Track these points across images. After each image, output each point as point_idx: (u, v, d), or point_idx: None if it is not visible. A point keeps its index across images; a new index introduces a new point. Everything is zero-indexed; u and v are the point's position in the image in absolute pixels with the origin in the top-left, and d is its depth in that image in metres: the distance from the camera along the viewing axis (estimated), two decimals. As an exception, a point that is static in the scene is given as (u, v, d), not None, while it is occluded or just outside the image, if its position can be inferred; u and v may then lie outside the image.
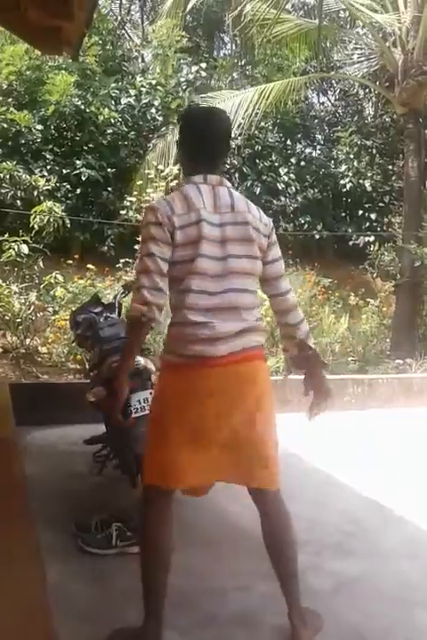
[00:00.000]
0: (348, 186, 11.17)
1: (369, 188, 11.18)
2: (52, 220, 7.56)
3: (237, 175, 10.91)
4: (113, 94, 10.52)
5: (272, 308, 2.48)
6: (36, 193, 8.40)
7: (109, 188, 9.78)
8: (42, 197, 8.29)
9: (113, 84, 10.68)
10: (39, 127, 9.64)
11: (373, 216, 11.17)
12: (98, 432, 3.81)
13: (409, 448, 4.98)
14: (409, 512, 3.59)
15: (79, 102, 9.86)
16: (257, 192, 10.57)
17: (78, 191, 9.52)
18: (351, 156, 11.37)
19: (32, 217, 7.52)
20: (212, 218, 2.19)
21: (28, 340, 6.33)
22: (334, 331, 7.21)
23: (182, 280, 2.17)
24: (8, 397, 4.19)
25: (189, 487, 2.32)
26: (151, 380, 3.46)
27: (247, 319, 2.22)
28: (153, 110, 10.67)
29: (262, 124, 10.86)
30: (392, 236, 9.05)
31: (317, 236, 10.82)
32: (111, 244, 9.28)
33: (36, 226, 7.45)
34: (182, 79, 11.24)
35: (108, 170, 9.81)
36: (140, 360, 3.49)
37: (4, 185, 8.41)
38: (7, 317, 6.36)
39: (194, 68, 11.43)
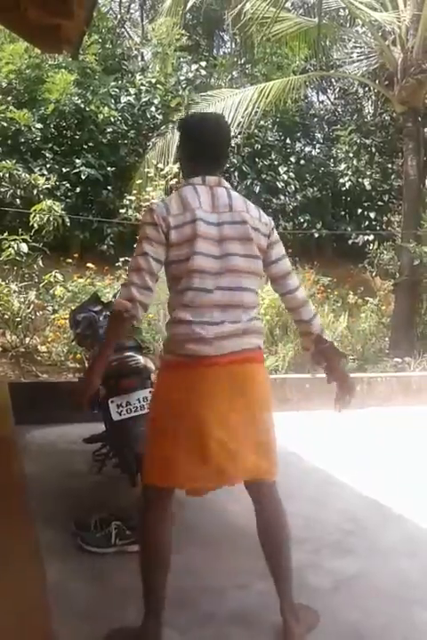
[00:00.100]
0: (347, 184, 11.16)
1: (368, 187, 11.16)
2: (51, 218, 7.57)
3: (236, 174, 10.90)
4: (113, 93, 10.51)
5: (285, 306, 2.51)
6: (35, 192, 8.40)
7: (109, 187, 9.77)
8: (41, 196, 8.30)
9: (113, 83, 10.66)
10: (39, 126, 9.62)
11: (372, 215, 11.15)
12: (97, 431, 3.82)
13: (408, 446, 4.99)
14: (408, 510, 3.60)
15: (79, 101, 9.85)
16: (257, 191, 10.56)
17: (78, 190, 9.51)
18: (351, 155, 11.36)
19: (32, 216, 7.53)
20: (209, 217, 2.20)
21: (27, 339, 6.34)
22: (333, 329, 7.22)
23: (179, 279, 2.19)
24: (7, 396, 4.19)
25: (188, 487, 2.32)
26: (151, 379, 3.47)
27: (245, 319, 2.22)
28: (153, 109, 10.66)
29: (262, 122, 10.84)
30: (391, 235, 9.07)
31: (316, 235, 10.80)
32: (111, 243, 9.27)
33: (35, 224, 7.46)
34: (182, 77, 11.22)
35: (108, 168, 9.80)
36: (140, 359, 3.50)
37: (3, 183, 8.40)
38: (7, 316, 6.37)
39: (194, 67, 11.41)
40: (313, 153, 12.72)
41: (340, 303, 8.21)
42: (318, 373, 6.69)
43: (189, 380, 2.18)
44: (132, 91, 10.76)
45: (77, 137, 9.91)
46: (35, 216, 7.52)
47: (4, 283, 6.57)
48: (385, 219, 10.73)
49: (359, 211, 11.30)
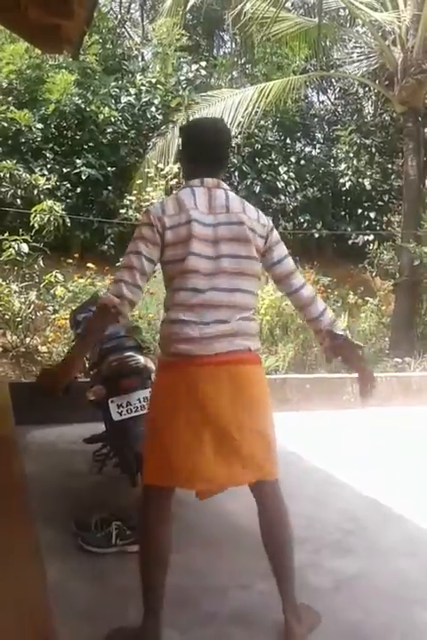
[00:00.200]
0: (347, 184, 11.16)
1: (368, 187, 11.17)
2: (52, 218, 7.58)
3: (236, 174, 10.91)
4: (113, 93, 10.52)
5: (293, 306, 2.51)
6: (36, 192, 8.41)
7: (109, 187, 9.77)
8: (42, 196, 8.31)
9: (113, 83, 10.67)
10: (39, 126, 9.63)
11: (372, 215, 11.16)
12: (98, 431, 3.82)
13: (408, 446, 4.99)
14: (408, 510, 3.60)
15: (79, 101, 9.86)
16: (257, 191, 10.57)
17: (78, 190, 9.52)
18: (351, 155, 11.36)
19: (32, 216, 7.54)
20: (205, 218, 2.22)
21: (27, 339, 6.34)
22: (333, 329, 7.21)
23: (173, 279, 2.22)
24: (8, 396, 4.19)
25: (187, 487, 2.31)
26: (151, 379, 3.46)
27: (239, 320, 2.22)
28: (153, 109, 10.67)
29: (262, 122, 10.85)
30: (391, 235, 9.07)
31: (316, 235, 10.81)
32: (111, 243, 9.27)
33: (36, 225, 7.47)
34: (182, 77, 11.22)
35: (108, 168, 9.81)
36: (140, 359, 3.50)
37: (4, 184, 8.41)
38: (7, 316, 6.37)
39: (194, 67, 11.41)
40: (313, 153, 12.73)
41: (340, 303, 8.22)
42: (318, 373, 6.71)
43: (180, 380, 2.20)
44: (132, 91, 10.77)
45: (78, 137, 9.91)
46: (35, 216, 7.52)
47: (4, 283, 6.57)
48: (385, 219, 10.74)
49: (359, 211, 11.30)
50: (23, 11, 3.52)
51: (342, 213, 11.92)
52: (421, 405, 6.21)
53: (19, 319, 6.34)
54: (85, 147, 9.81)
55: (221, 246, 2.22)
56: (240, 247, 2.25)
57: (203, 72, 11.51)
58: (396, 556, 3.07)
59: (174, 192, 2.54)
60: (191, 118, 8.71)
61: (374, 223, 11.03)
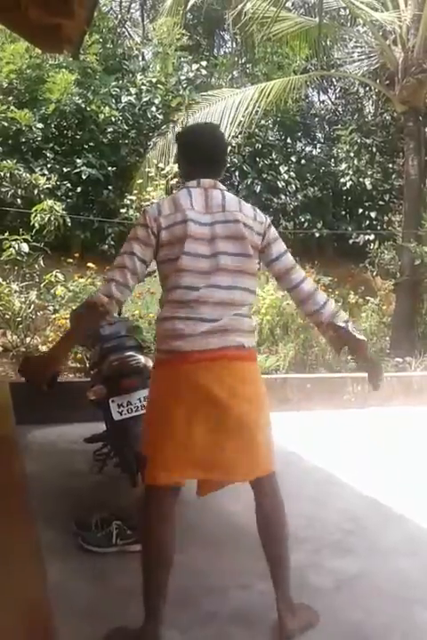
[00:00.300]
0: (348, 184, 11.15)
1: (369, 187, 11.15)
2: (52, 218, 7.58)
3: (237, 173, 10.91)
4: (113, 92, 10.51)
5: (293, 302, 2.52)
6: (36, 191, 8.41)
7: (110, 187, 9.77)
8: (42, 196, 8.30)
9: (113, 83, 10.66)
10: (40, 126, 9.62)
11: (373, 214, 11.14)
12: (98, 430, 3.82)
13: (409, 446, 4.99)
14: (409, 510, 3.60)
15: (80, 101, 9.85)
16: (257, 190, 10.56)
17: (79, 190, 9.52)
18: (352, 155, 11.35)
19: (32, 215, 7.54)
20: (201, 218, 2.24)
21: (28, 339, 6.34)
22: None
23: (168, 277, 2.25)
24: (8, 396, 4.18)
25: (182, 483, 2.32)
26: (151, 379, 3.46)
27: (232, 316, 2.23)
28: (153, 108, 10.66)
29: (263, 122, 10.85)
30: (392, 235, 9.06)
31: (317, 235, 10.79)
32: (112, 243, 9.27)
33: (36, 224, 7.47)
34: (183, 77, 11.21)
35: (109, 168, 9.80)
36: (141, 358, 3.50)
37: (4, 183, 8.40)
38: (7, 316, 6.37)
39: (194, 66, 11.40)
40: (314, 152, 12.73)
41: (341, 303, 8.20)
42: (318, 373, 6.71)
43: (176, 377, 2.21)
44: (132, 90, 10.76)
45: (78, 137, 9.91)
46: (36, 216, 7.52)
47: (5, 282, 6.57)
48: (386, 218, 10.72)
49: (360, 210, 11.29)
50: (23, 10, 3.51)
51: (343, 213, 11.91)
52: (422, 405, 6.21)
53: (19, 319, 6.35)
54: (86, 146, 9.81)
55: (216, 244, 2.24)
56: (236, 245, 2.26)
57: (203, 72, 11.50)
58: (396, 556, 3.06)
59: (174, 192, 2.56)
60: (191, 118, 8.73)
61: (374, 223, 11.02)
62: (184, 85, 10.97)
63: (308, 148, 12.89)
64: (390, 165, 11.81)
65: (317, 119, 13.38)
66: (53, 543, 2.92)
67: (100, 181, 9.62)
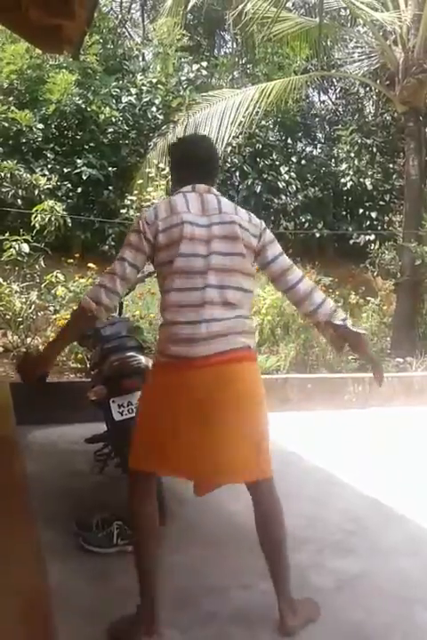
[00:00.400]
0: (348, 184, 11.14)
1: (370, 187, 11.15)
2: (53, 218, 7.57)
3: (237, 174, 10.91)
4: (114, 93, 10.52)
5: (291, 303, 2.55)
6: (36, 192, 8.41)
7: (110, 187, 9.77)
8: (43, 196, 8.30)
9: (114, 83, 10.67)
10: (40, 126, 9.63)
11: (373, 214, 11.14)
12: (99, 431, 3.81)
13: (410, 447, 4.99)
14: (410, 510, 3.60)
15: (80, 101, 9.86)
16: (258, 191, 10.56)
17: (79, 190, 9.52)
18: (352, 155, 11.35)
19: (33, 216, 7.53)
20: (198, 219, 2.28)
21: (29, 340, 6.34)
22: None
23: (166, 279, 2.28)
24: (9, 396, 4.18)
25: (172, 474, 2.46)
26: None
27: (231, 316, 2.25)
28: (154, 109, 10.67)
29: (263, 122, 10.85)
30: (393, 235, 9.05)
31: (317, 235, 10.79)
32: (112, 243, 9.27)
33: (37, 225, 7.47)
34: (183, 78, 11.22)
35: (109, 169, 9.80)
36: (142, 359, 3.50)
37: (4, 184, 8.41)
38: (8, 316, 6.37)
39: (195, 67, 11.40)
40: (314, 153, 12.73)
41: (341, 303, 8.20)
42: (319, 373, 6.70)
43: (173, 381, 2.24)
44: (133, 91, 10.77)
45: (79, 137, 9.91)
46: (36, 216, 7.52)
47: (5, 283, 6.56)
48: (387, 218, 10.71)
49: (361, 210, 11.29)
50: (24, 11, 3.52)
51: (344, 213, 11.92)
52: (422, 405, 6.20)
53: (20, 319, 6.34)
54: (86, 147, 9.81)
55: (212, 244, 2.26)
56: (231, 245, 2.29)
57: (204, 72, 11.51)
58: (397, 556, 3.06)
59: (168, 196, 2.59)
60: (192, 119, 8.72)
61: (375, 223, 11.02)
62: (185, 86, 10.97)
63: (308, 149, 12.89)
64: (391, 166, 11.81)
65: (317, 119, 13.39)
66: (54, 543, 2.91)
67: (101, 182, 9.63)
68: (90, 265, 7.35)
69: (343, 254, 10.92)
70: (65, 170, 9.51)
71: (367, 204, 11.30)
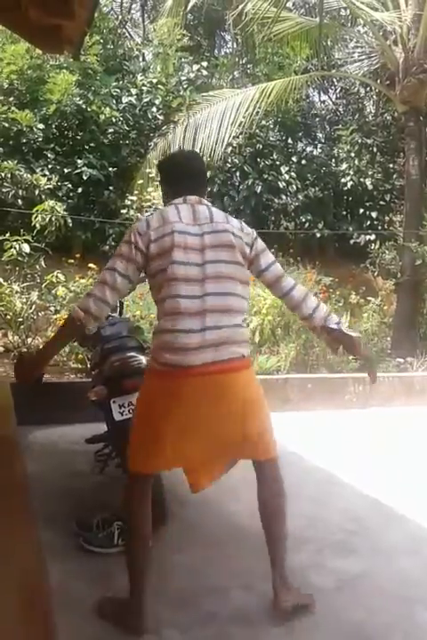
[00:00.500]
0: (349, 184, 11.14)
1: (370, 187, 11.14)
2: (53, 219, 7.58)
3: (238, 174, 10.90)
4: (114, 93, 10.53)
5: (287, 307, 2.62)
6: (37, 192, 8.41)
7: (111, 187, 9.78)
8: (43, 196, 8.31)
9: (114, 83, 10.67)
10: (40, 126, 9.64)
11: (374, 214, 11.13)
12: (99, 431, 3.81)
13: (410, 446, 4.98)
14: (410, 510, 3.59)
15: (80, 101, 9.86)
16: (258, 191, 10.55)
17: (80, 190, 9.53)
18: (352, 155, 11.34)
19: (33, 216, 7.54)
20: (189, 229, 2.31)
21: (29, 340, 6.34)
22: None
23: (160, 289, 2.30)
24: (10, 396, 4.18)
25: (166, 467, 2.50)
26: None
27: (229, 325, 2.29)
28: (154, 109, 10.68)
29: (263, 122, 10.85)
30: (393, 235, 9.04)
31: (318, 235, 10.78)
32: (112, 244, 9.25)
33: (37, 225, 7.47)
34: (183, 78, 11.22)
35: (110, 169, 9.81)
36: (142, 359, 3.49)
37: (5, 184, 8.41)
38: (9, 316, 6.37)
39: (195, 67, 11.41)
40: (315, 153, 12.72)
41: (342, 303, 8.20)
42: (319, 373, 6.70)
43: (168, 388, 2.28)
44: (133, 91, 10.77)
45: (79, 137, 9.92)
46: (37, 216, 7.52)
47: (6, 283, 6.56)
48: (387, 218, 10.70)
49: (361, 210, 11.28)
50: (24, 11, 3.52)
51: (344, 213, 11.91)
52: (423, 405, 6.19)
53: (20, 319, 6.35)
54: (86, 147, 9.82)
55: (206, 253, 2.30)
56: (226, 253, 2.33)
57: (204, 72, 11.51)
58: (398, 556, 3.06)
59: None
60: (192, 119, 8.73)
61: (375, 223, 11.01)
62: (185, 86, 10.98)
63: (309, 149, 12.89)
64: (391, 165, 11.80)
65: (317, 119, 13.39)
66: (55, 543, 2.92)
67: (101, 182, 9.63)
68: (90, 265, 7.35)
69: (344, 254, 10.92)
70: (65, 170, 9.51)
71: (368, 204, 11.30)
